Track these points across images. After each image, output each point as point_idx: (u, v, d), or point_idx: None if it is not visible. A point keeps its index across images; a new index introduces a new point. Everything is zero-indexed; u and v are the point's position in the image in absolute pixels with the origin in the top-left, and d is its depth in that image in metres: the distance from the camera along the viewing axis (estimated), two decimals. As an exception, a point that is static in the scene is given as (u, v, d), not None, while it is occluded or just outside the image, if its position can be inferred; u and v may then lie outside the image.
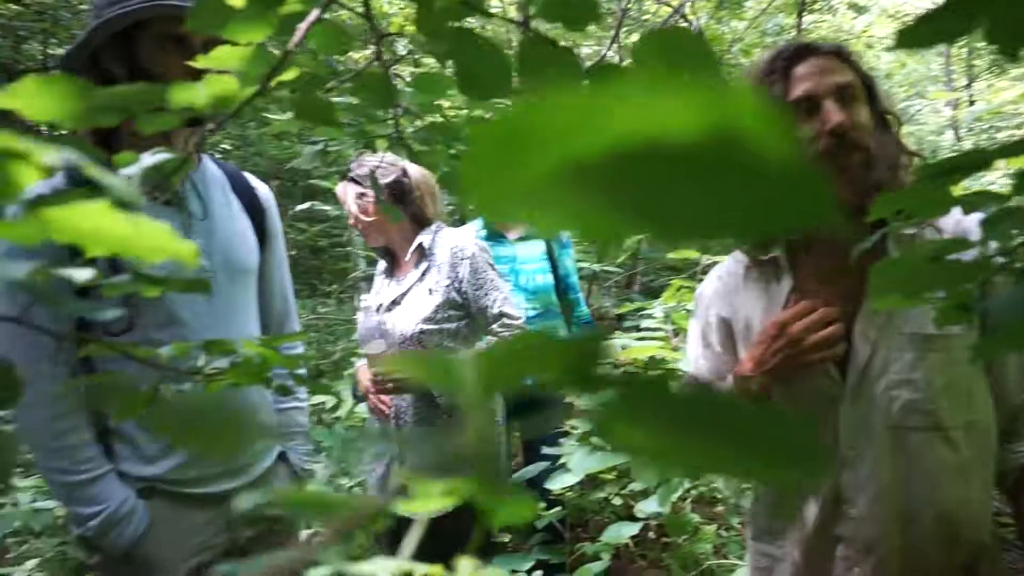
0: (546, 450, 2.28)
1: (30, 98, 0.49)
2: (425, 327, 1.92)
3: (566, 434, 2.47)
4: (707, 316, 1.28)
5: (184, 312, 1.34)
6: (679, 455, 0.15)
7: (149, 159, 0.60)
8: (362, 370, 2.09)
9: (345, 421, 2.98)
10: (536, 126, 0.12)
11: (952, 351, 1.07)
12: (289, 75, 0.65)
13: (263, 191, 1.57)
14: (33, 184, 0.30)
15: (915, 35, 0.34)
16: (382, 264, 2.17)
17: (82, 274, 0.53)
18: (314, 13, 0.52)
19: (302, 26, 0.53)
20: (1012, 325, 0.41)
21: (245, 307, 1.47)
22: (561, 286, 2.86)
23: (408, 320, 1.94)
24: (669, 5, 4.03)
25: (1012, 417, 1.12)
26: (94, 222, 0.34)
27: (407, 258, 2.03)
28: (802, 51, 1.12)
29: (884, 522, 1.09)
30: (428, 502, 0.28)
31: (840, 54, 1.12)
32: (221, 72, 0.62)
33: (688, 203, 0.12)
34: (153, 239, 0.35)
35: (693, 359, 1.32)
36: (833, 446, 1.11)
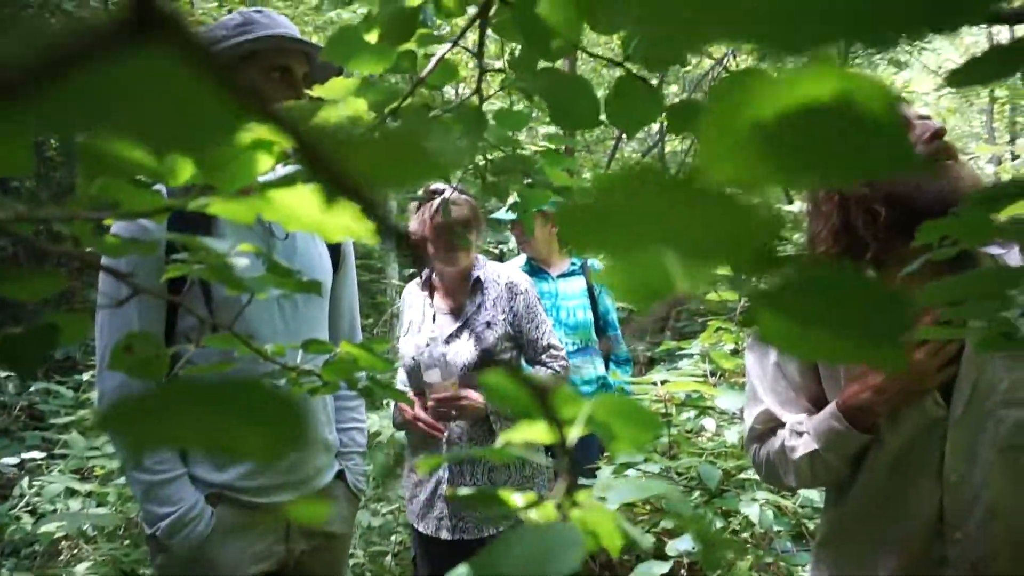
0: (581, 481, 2.33)
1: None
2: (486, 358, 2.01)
3: (597, 469, 2.50)
4: None
5: (264, 329, 1.42)
6: (819, 341, 0.21)
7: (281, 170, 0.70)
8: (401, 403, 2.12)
9: (386, 447, 3.05)
10: (745, 96, 0.19)
11: None
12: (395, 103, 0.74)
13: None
14: (268, 169, 0.39)
15: (964, 75, 0.41)
16: (420, 293, 2.20)
17: (221, 244, 0.61)
18: (444, 48, 0.61)
19: (434, 59, 0.62)
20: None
21: (318, 326, 1.56)
22: (600, 323, 2.92)
23: (470, 351, 2.02)
24: (711, 57, 4.16)
25: None
26: (298, 203, 0.42)
27: (460, 290, 2.11)
28: None
29: (994, 544, 1.08)
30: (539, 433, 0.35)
31: None
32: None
33: (825, 147, 0.19)
34: (339, 222, 0.43)
35: (761, 392, 1.27)
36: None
